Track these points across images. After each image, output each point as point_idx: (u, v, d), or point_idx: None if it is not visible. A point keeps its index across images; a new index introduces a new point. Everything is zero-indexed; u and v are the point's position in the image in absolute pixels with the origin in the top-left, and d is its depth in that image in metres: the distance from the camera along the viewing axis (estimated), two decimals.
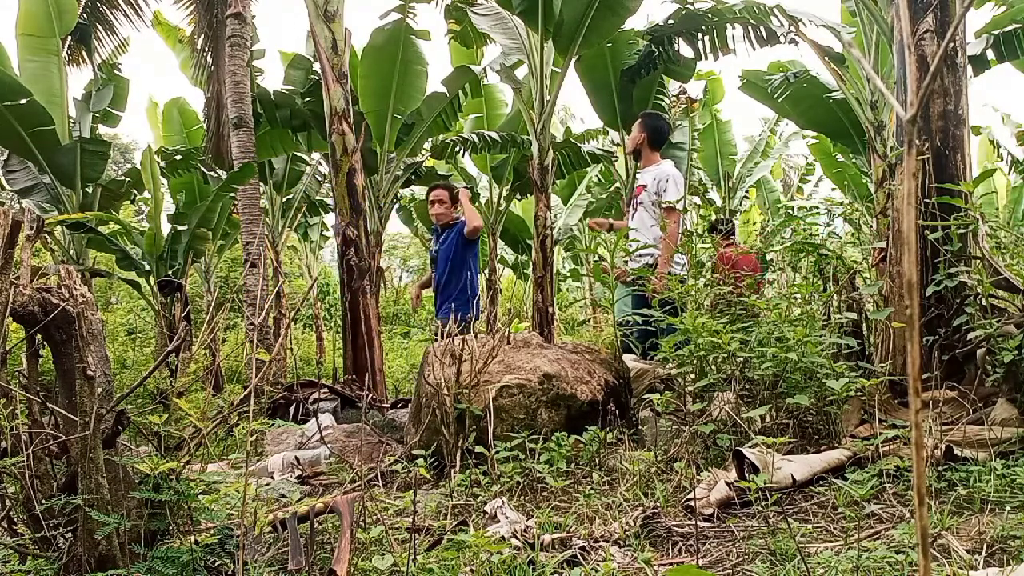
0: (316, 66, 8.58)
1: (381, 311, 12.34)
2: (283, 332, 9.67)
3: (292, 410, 4.70)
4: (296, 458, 4.07)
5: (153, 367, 2.24)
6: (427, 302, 24.82)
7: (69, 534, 2.10)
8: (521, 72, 8.87)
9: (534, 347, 3.98)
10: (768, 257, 7.64)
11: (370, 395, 5.08)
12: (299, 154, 11.04)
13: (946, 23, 3.73)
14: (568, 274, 21.67)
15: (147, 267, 8.01)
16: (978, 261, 3.68)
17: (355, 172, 6.29)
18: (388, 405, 5.24)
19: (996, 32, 8.32)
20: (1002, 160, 14.62)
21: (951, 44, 3.73)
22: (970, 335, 3.51)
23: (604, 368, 4.07)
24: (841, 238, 6.28)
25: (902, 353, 3.88)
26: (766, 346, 3.73)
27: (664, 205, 5.32)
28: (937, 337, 3.84)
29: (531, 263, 9.04)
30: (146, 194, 8.53)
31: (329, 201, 14.47)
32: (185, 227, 7.95)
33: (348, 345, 6.98)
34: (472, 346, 3.63)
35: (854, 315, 4.06)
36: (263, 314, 6.63)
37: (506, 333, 3.91)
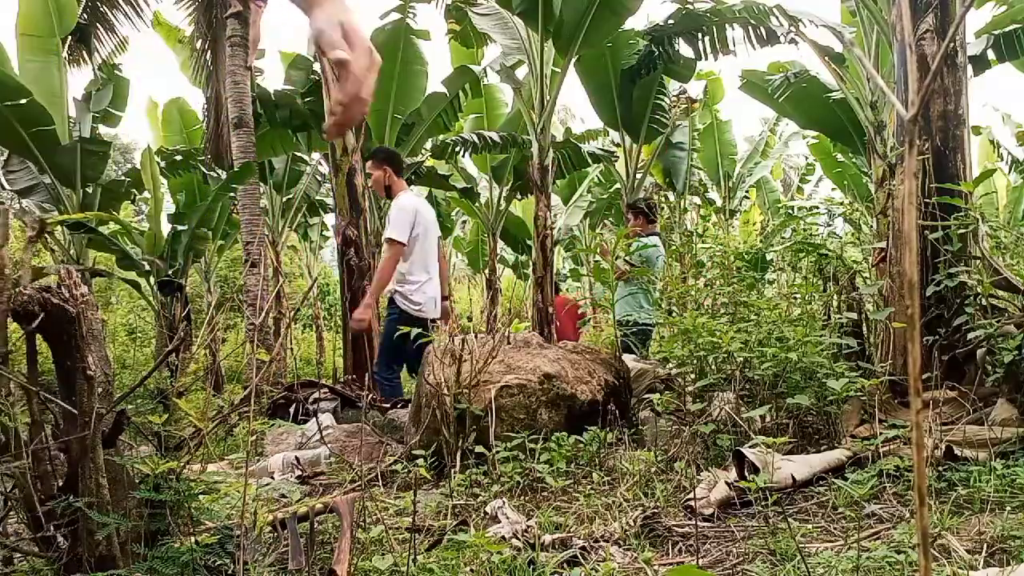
0: (316, 66, 8.58)
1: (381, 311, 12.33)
2: (283, 332, 9.68)
3: (292, 410, 4.69)
4: (296, 458, 4.07)
5: (153, 367, 2.24)
6: None
7: (69, 534, 2.09)
8: (521, 72, 8.88)
9: (534, 347, 3.98)
10: (768, 257, 7.62)
11: (370, 395, 5.07)
12: (299, 154, 11.04)
13: (946, 23, 3.73)
14: (568, 274, 21.66)
15: (147, 267, 8.01)
16: (978, 261, 3.68)
17: (355, 172, 6.29)
18: (388, 405, 5.24)
19: (996, 32, 8.31)
20: (1002, 160, 14.61)
21: (951, 44, 3.73)
22: (970, 335, 3.51)
23: (604, 368, 4.07)
24: (841, 238, 6.28)
25: (902, 353, 3.89)
26: (766, 346, 3.73)
27: (384, 237, 5.19)
28: (937, 337, 3.85)
29: (531, 263, 9.04)
30: (146, 194, 8.53)
31: (329, 201, 14.47)
32: (185, 227, 7.96)
33: (348, 345, 6.98)
34: (472, 346, 3.63)
35: (854, 315, 4.07)
36: (263, 314, 6.63)
37: (506, 333, 3.91)
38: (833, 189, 16.84)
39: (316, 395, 4.91)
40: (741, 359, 3.72)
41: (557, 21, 7.27)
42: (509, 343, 3.92)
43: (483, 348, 3.72)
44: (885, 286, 4.08)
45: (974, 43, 8.54)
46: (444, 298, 5.67)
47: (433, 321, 4.84)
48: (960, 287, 3.78)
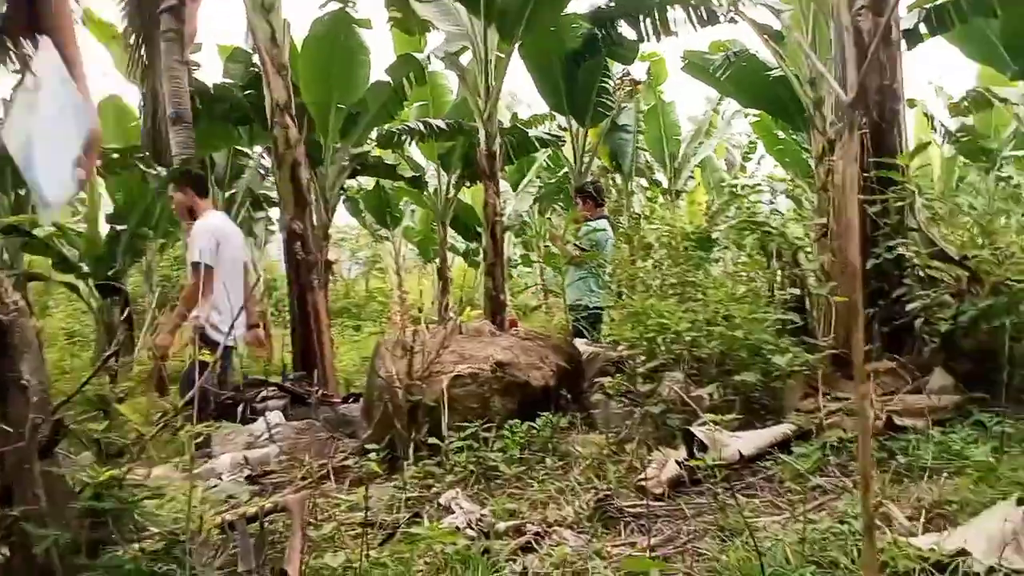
0: (256, 58, 8.40)
1: (331, 304, 12.18)
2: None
3: (240, 410, 4.59)
4: (245, 457, 4.01)
5: (91, 373, 2.18)
6: (378, 295, 24.61)
7: (6, 548, 2.03)
8: (465, 59, 8.81)
9: (486, 336, 3.98)
10: (714, 236, 7.72)
11: (320, 391, 5.00)
12: (241, 148, 10.81)
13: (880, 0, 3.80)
14: (519, 260, 21.68)
15: (85, 269, 7.76)
16: (915, 233, 3.78)
17: (299, 165, 6.16)
18: (339, 400, 5.17)
19: (928, 6, 8.50)
20: (936, 132, 14.99)
21: (886, 20, 3.80)
22: (908, 307, 3.61)
23: (556, 353, 4.08)
24: (783, 215, 6.40)
25: (844, 326, 3.97)
26: (713, 325, 3.79)
27: (190, 262, 4.97)
28: (877, 309, 3.94)
29: (482, 250, 9.02)
30: (82, 194, 8.28)
31: (274, 195, 14.22)
32: (124, 227, 7.71)
33: (297, 340, 6.87)
34: (424, 338, 3.61)
35: (797, 291, 4.14)
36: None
37: (458, 323, 3.90)
38: (775, 166, 17.15)
39: (264, 393, 4.83)
40: (689, 339, 3.77)
41: (500, 7, 7.24)
42: (461, 333, 3.91)
43: (435, 339, 3.70)
44: (826, 261, 4.17)
45: (906, 17, 8.71)
46: (254, 326, 5.45)
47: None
48: (899, 259, 3.88)
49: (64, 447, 2.29)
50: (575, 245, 6.09)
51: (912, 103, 15.27)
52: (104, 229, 8.66)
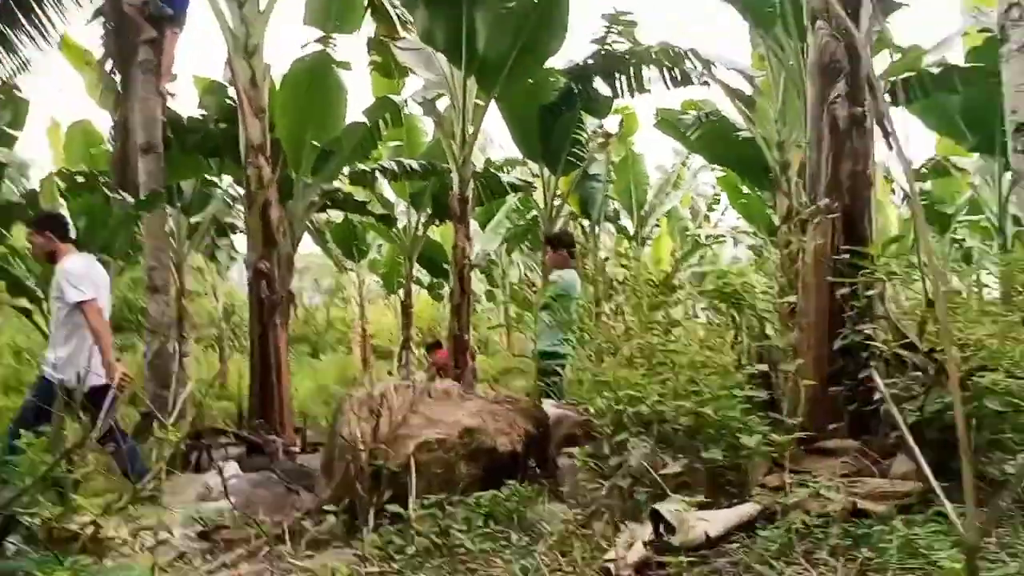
0: (232, 91, 8.35)
1: (291, 331, 12.02)
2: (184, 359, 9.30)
3: (195, 457, 4.46)
4: (198, 512, 3.89)
5: (52, 464, 2.09)
6: (339, 324, 24.33)
7: None
8: (442, 103, 8.86)
9: (455, 398, 3.94)
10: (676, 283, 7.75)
11: (278, 441, 4.90)
12: (209, 177, 10.69)
13: (856, 88, 3.89)
14: (483, 295, 21.67)
15: (39, 293, 7.51)
16: (883, 320, 3.84)
17: (270, 205, 6.11)
18: (297, 449, 5.07)
19: (892, 78, 8.81)
20: (894, 194, 15.46)
21: (859, 109, 3.89)
22: (875, 395, 3.64)
23: (524, 417, 4.05)
24: (749, 277, 6.47)
25: (810, 403, 4.00)
26: (682, 397, 3.78)
27: (74, 302, 4.87)
28: (842, 388, 3.97)
29: (448, 290, 9.01)
30: None
31: (239, 223, 14.04)
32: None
33: (256, 379, 6.69)
34: (391, 400, 3.55)
35: (764, 367, 4.17)
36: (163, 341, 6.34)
37: (426, 385, 3.85)
38: (738, 218, 17.47)
39: (222, 441, 4.71)
40: (659, 409, 3.75)
41: (480, 60, 7.31)
42: (431, 396, 3.86)
43: (402, 400, 3.65)
44: (794, 338, 4.21)
45: None
46: (108, 364, 5.14)
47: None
48: (867, 338, 3.91)
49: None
50: (550, 298, 6.09)
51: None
52: None
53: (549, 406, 4.60)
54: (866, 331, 3.79)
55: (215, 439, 4.77)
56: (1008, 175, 10.05)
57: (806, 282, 4.06)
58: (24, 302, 8.18)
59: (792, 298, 4.20)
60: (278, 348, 6.25)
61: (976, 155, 11.25)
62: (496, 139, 16.54)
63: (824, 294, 3.87)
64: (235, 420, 6.30)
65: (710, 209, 20.32)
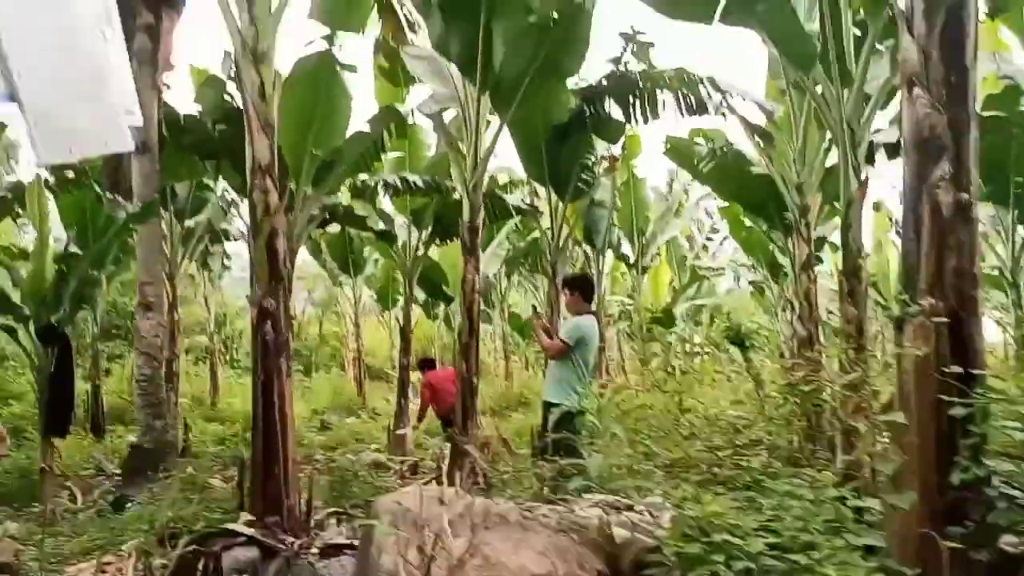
0: (230, 86, 8.03)
1: None
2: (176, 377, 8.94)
3: (203, 565, 3.96)
4: None
5: None
6: (332, 339, 23.82)
7: None
8: (448, 115, 8.58)
9: (513, 526, 3.51)
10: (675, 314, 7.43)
11: (295, 544, 4.46)
12: (205, 180, 10.40)
13: (961, 171, 3.43)
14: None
15: (27, 312, 7.07)
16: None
17: (276, 235, 5.46)
18: (317, 550, 4.65)
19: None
20: (896, 233, 15.32)
21: (965, 196, 3.40)
22: (1003, 540, 3.09)
23: (595, 553, 3.61)
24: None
25: (920, 545, 3.38)
26: (791, 552, 3.16)
27: None
28: (965, 530, 3.34)
29: (456, 329, 8.52)
30: (27, 223, 7.74)
31: (232, 228, 13.71)
32: (76, 268, 6.97)
33: (258, 437, 5.56)
34: (446, 539, 3.15)
35: (875, 503, 3.64)
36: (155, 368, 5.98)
37: (484, 507, 3.46)
38: (736, 250, 17.23)
39: (233, 541, 4.21)
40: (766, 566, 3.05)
41: (496, 77, 7.02)
42: (486, 524, 3.46)
43: (457, 537, 3.24)
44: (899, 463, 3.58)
45: (887, 130, 8.79)
46: None
47: None
48: (988, 475, 3.36)
49: None
50: (561, 340, 5.73)
51: (877, 206, 15.65)
52: (54, 252, 8.00)
53: (616, 530, 4.12)
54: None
55: (225, 541, 4.27)
56: (1021, 228, 9.82)
57: (904, 394, 3.54)
58: (8, 320, 7.63)
59: (885, 400, 3.71)
60: (283, 397, 5.38)
61: (988, 204, 11.04)
62: (497, 152, 16.30)
63: (931, 413, 3.22)
64: (234, 489, 5.72)
65: (708, 239, 20.11)
